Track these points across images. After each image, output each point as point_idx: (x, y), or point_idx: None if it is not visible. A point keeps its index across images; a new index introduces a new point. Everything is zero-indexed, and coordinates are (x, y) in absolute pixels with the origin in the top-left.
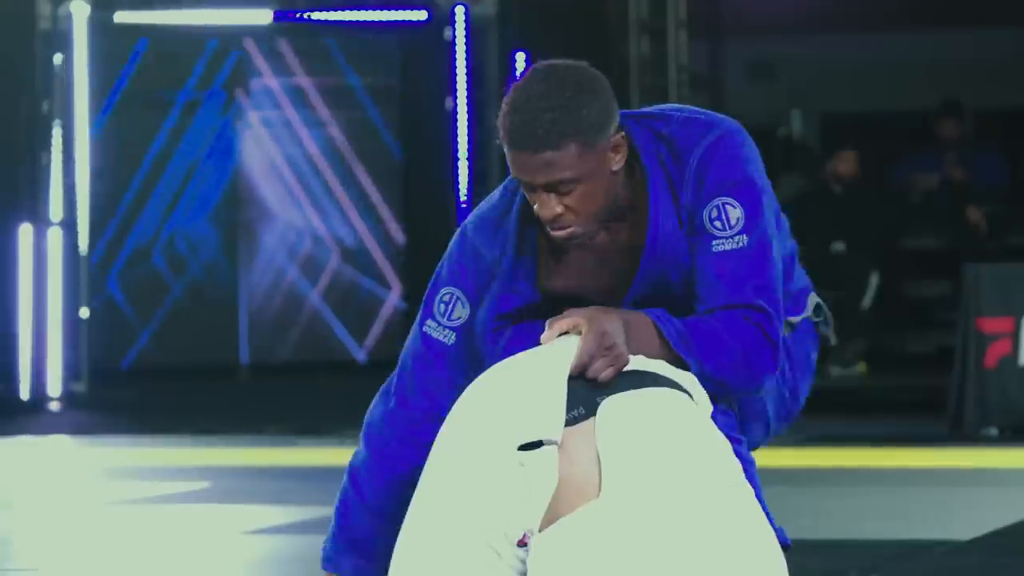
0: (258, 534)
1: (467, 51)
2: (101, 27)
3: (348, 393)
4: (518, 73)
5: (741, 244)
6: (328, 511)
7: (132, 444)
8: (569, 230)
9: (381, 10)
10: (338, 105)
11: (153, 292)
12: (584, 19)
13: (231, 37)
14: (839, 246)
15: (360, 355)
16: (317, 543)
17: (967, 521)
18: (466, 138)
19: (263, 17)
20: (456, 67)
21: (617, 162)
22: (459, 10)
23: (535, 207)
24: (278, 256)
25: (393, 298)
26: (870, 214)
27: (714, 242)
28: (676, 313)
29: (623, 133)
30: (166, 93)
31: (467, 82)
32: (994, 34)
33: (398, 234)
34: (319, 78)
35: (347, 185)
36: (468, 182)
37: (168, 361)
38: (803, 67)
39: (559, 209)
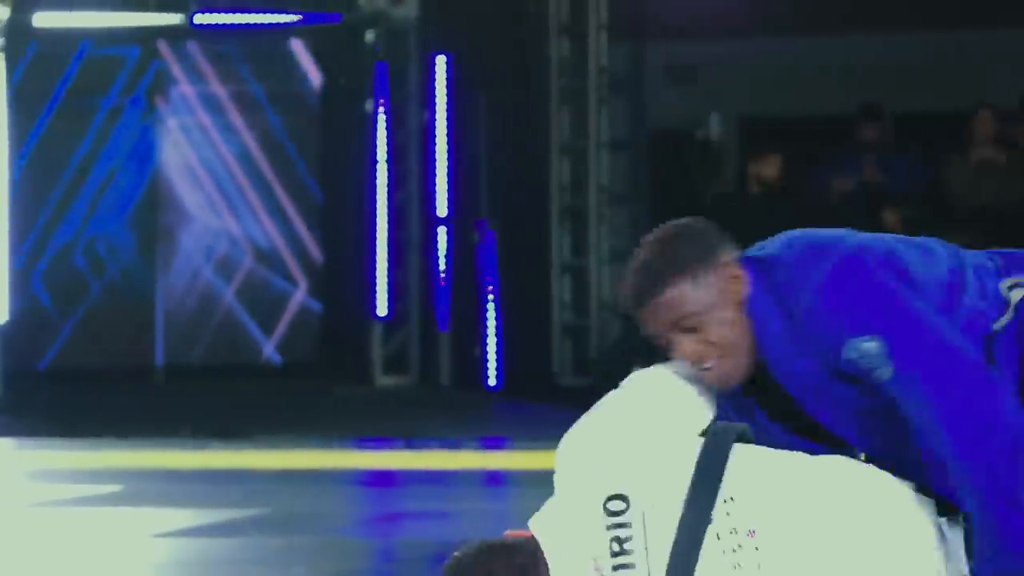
0: (167, 537)
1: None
2: (25, 31)
3: (260, 395)
4: (438, 76)
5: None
6: (237, 514)
7: (47, 447)
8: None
9: (295, 14)
10: (250, 112)
11: (74, 294)
12: (504, 21)
13: (151, 44)
14: None
15: (273, 356)
16: (225, 546)
17: None
18: (385, 142)
19: (176, 19)
20: (376, 70)
21: (736, 292)
22: (379, 14)
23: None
24: (195, 258)
25: (299, 295)
26: (787, 217)
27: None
28: None
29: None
30: (90, 99)
31: (386, 86)
32: (911, 38)
33: (309, 239)
34: (232, 86)
35: (260, 190)
36: (388, 185)
37: (85, 363)
38: (723, 70)
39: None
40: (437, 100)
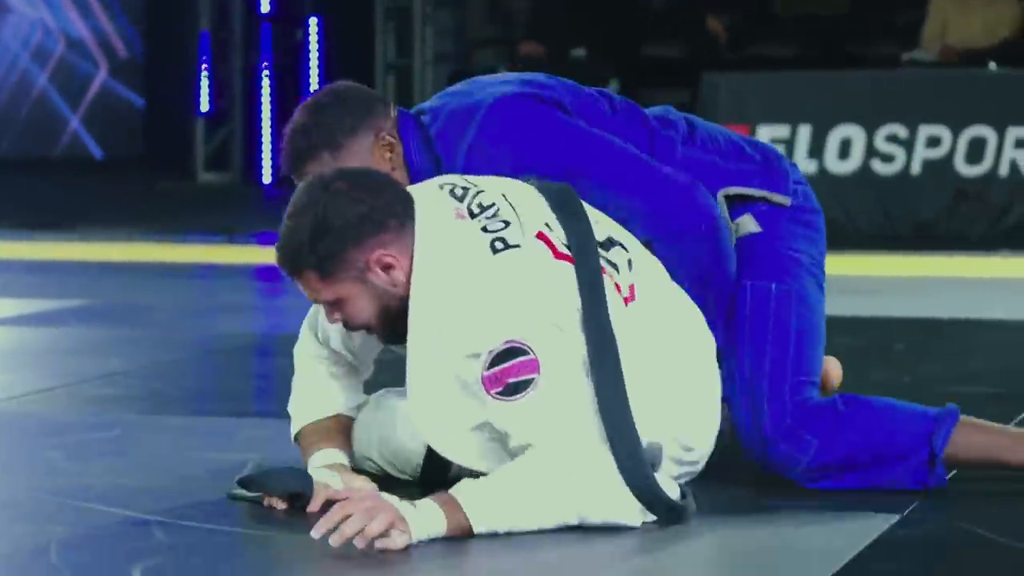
0: None
1: None
2: None
3: (83, 189)
4: None
5: None
6: (58, 304)
7: None
8: None
9: None
10: None
11: None
12: None
13: None
14: (579, 52)
15: (95, 150)
16: (46, 335)
17: None
18: None
19: None
20: None
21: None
22: None
23: None
24: (12, 49)
25: (137, 100)
26: (611, 21)
27: None
28: None
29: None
30: None
31: None
32: None
33: (135, 36)
34: None
35: None
36: None
37: None
38: None
39: None
40: None
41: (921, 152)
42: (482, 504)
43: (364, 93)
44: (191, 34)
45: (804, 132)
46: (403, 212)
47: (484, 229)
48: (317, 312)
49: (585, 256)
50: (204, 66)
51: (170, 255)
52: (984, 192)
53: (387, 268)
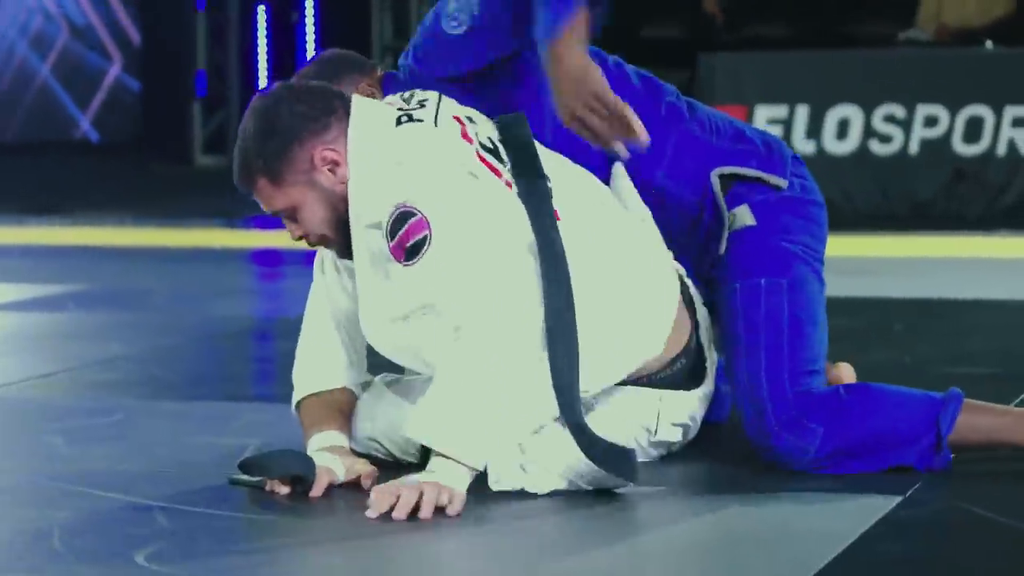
0: None
1: None
2: None
3: (79, 173)
4: None
5: None
6: (56, 289)
7: None
8: None
9: None
10: None
11: None
12: None
13: None
14: None
15: (91, 133)
16: (44, 320)
17: None
18: None
19: None
20: None
21: None
22: None
23: None
24: (9, 34)
25: (115, 71)
26: (610, 2)
27: None
28: None
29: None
30: None
31: None
32: None
33: (130, 20)
34: None
35: None
36: None
37: None
38: None
39: None
40: None
41: (919, 132)
42: (462, 443)
43: (346, 59)
44: (187, 17)
45: (802, 112)
46: (343, 110)
47: (400, 110)
48: (327, 282)
49: (532, 177)
50: (200, 49)
51: (168, 239)
52: (982, 172)
53: (333, 165)
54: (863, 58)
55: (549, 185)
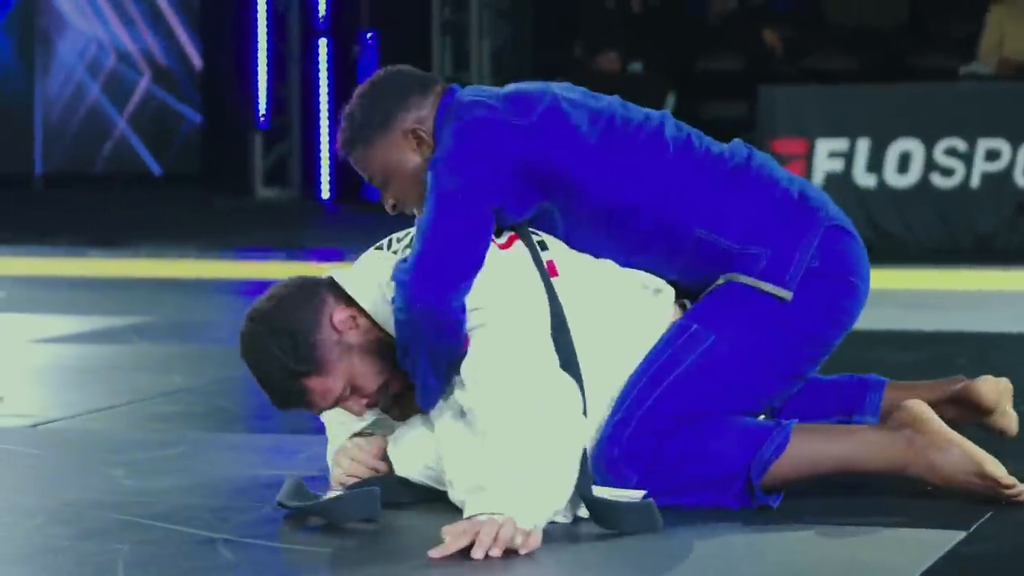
0: (47, 342)
1: None
2: None
3: (141, 205)
4: None
5: None
6: (118, 321)
7: None
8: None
9: None
10: None
11: None
12: None
13: None
14: (636, 66)
15: (153, 166)
16: (105, 352)
17: None
18: None
19: None
20: None
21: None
22: None
23: None
24: (77, 69)
25: (194, 115)
26: (668, 35)
27: None
28: None
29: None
30: None
31: None
32: None
33: (192, 52)
34: None
35: (140, 2)
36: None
37: None
38: None
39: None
40: None
41: (980, 165)
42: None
43: (406, 79)
44: (248, 49)
45: (863, 146)
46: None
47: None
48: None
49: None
50: (261, 81)
51: (229, 271)
52: None
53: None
54: (925, 92)
55: (540, 239)
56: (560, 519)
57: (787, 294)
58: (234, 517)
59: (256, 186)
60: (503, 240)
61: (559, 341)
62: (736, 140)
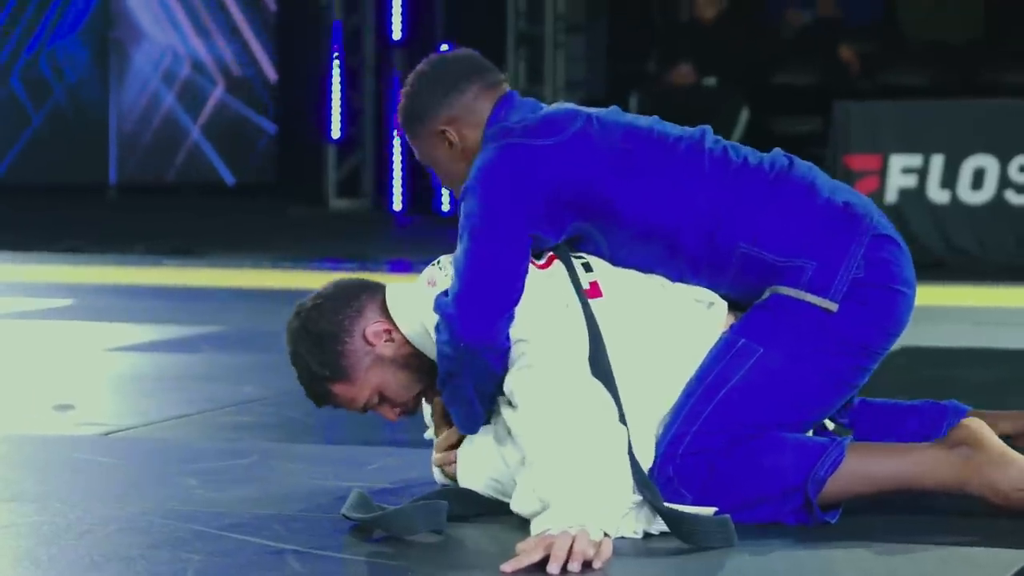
0: (120, 351)
1: None
2: None
3: (214, 215)
4: None
5: None
6: (190, 331)
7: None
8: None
9: None
10: None
11: (18, 114)
12: None
13: None
14: (710, 80)
15: (227, 176)
16: (178, 361)
17: None
18: None
19: None
20: None
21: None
22: None
23: None
24: (152, 79)
25: (268, 126)
26: (742, 49)
27: None
28: None
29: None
30: None
31: None
32: None
33: (266, 63)
34: None
35: (214, 7)
36: (342, 8)
37: (36, 178)
38: None
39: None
40: None
41: None
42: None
43: (458, 69)
44: (323, 61)
45: (937, 162)
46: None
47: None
48: None
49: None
50: (335, 93)
51: (301, 282)
52: None
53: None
54: (1000, 108)
55: (584, 261)
56: (630, 535)
57: (833, 305)
58: (305, 528)
59: (329, 197)
60: (542, 261)
61: (596, 362)
62: (776, 149)
